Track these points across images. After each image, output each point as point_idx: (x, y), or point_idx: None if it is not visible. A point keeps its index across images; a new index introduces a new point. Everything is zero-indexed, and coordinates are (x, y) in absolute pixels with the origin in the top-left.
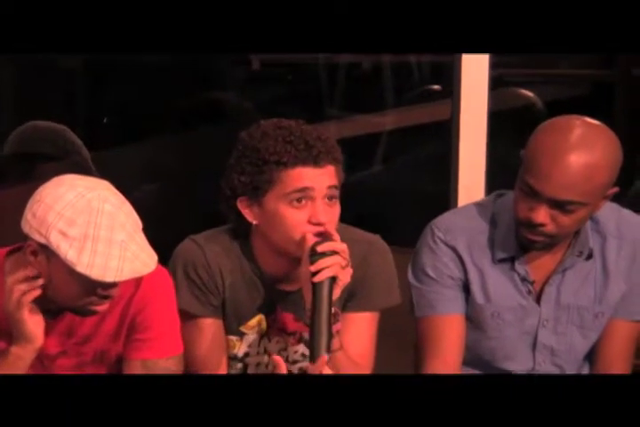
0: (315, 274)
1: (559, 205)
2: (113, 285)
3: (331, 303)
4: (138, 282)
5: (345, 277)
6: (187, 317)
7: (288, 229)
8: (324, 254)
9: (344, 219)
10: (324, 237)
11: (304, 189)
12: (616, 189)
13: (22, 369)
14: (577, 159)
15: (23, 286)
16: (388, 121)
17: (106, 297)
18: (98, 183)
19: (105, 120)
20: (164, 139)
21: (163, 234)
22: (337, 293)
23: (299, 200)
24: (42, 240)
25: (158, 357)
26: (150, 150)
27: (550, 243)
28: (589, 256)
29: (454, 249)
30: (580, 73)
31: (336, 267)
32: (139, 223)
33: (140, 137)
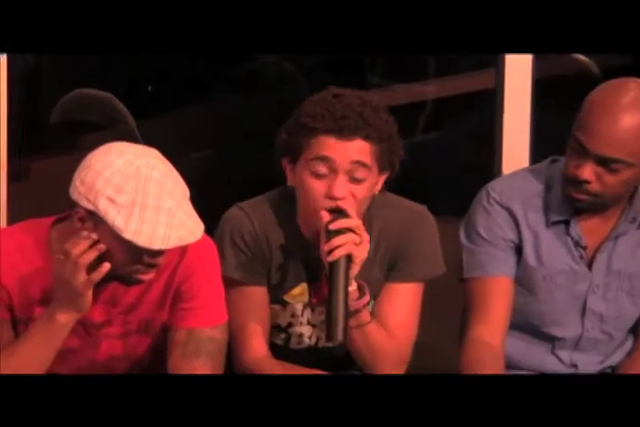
0: (330, 253)
1: (605, 163)
2: (159, 252)
3: (347, 282)
4: (183, 251)
5: (361, 254)
6: (232, 284)
7: (309, 200)
8: (338, 232)
9: (388, 188)
10: (338, 213)
11: (324, 158)
12: None
13: (62, 339)
14: (627, 117)
15: (87, 257)
16: (431, 90)
17: (152, 265)
18: (146, 151)
19: (150, 88)
20: (209, 107)
21: (210, 202)
22: (355, 269)
23: (320, 170)
24: (90, 207)
25: (204, 325)
26: (196, 118)
27: (595, 203)
28: None
29: (509, 210)
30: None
31: (350, 245)
32: (186, 191)
33: (185, 105)
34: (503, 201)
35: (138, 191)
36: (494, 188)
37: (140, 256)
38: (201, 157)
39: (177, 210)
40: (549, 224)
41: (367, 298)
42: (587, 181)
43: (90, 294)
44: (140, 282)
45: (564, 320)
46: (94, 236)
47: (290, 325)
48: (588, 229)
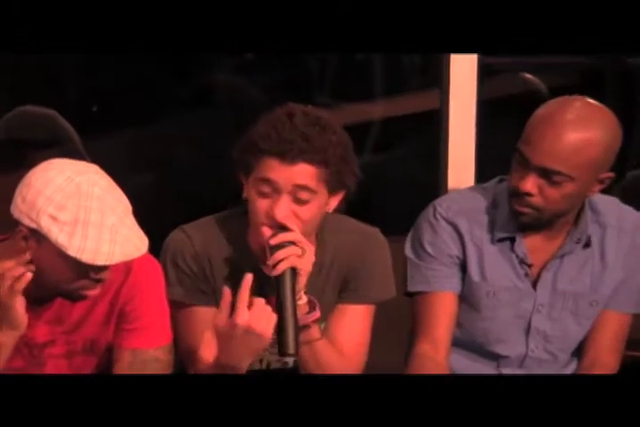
0: (274, 267)
1: (546, 175)
2: (104, 268)
3: (294, 295)
4: (127, 270)
5: (305, 266)
6: (177, 306)
7: (254, 216)
8: (280, 247)
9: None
10: (280, 229)
11: (267, 180)
12: (611, 175)
13: (4, 357)
14: (569, 131)
15: (15, 272)
16: (378, 110)
17: (97, 280)
18: (87, 167)
19: (94, 108)
20: (155, 127)
21: (156, 225)
22: (302, 281)
23: (264, 190)
24: (32, 225)
25: (148, 346)
26: (142, 139)
27: (538, 218)
28: (587, 244)
29: (454, 225)
30: (571, 61)
31: (292, 257)
32: (128, 206)
33: (130, 125)
34: (449, 216)
35: (80, 209)
36: (441, 204)
37: (86, 272)
38: (146, 179)
39: (120, 226)
40: (495, 241)
41: (318, 313)
42: (529, 194)
43: (21, 308)
44: (86, 297)
45: (508, 338)
46: (27, 256)
47: None
48: (533, 247)
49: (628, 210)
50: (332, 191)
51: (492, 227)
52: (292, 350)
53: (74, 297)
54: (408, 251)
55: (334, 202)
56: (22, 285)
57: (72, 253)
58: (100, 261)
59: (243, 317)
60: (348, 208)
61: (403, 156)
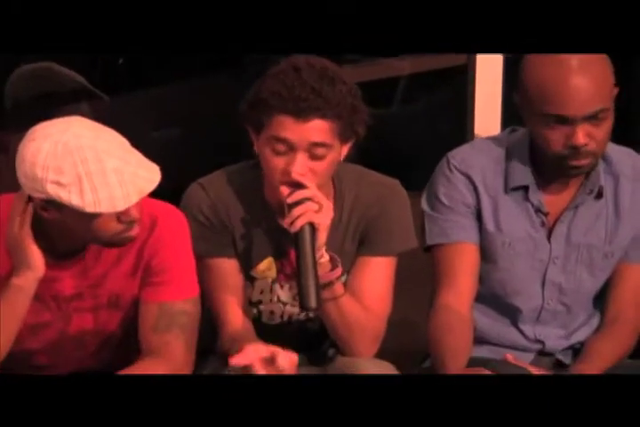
0: (292, 224)
1: (593, 119)
2: (129, 210)
3: (314, 250)
4: (152, 224)
5: (323, 220)
6: (200, 259)
7: (270, 174)
8: (297, 204)
9: (359, 161)
10: (296, 186)
11: (282, 140)
12: (617, 89)
13: (24, 303)
14: (587, 68)
15: (15, 207)
16: (405, 65)
17: (131, 222)
18: (68, 122)
19: (120, 61)
20: (180, 84)
21: (177, 181)
22: (322, 237)
23: (279, 148)
24: (42, 196)
25: (175, 298)
26: (166, 96)
27: (593, 164)
28: (599, 195)
29: (468, 177)
30: None
31: (309, 213)
32: (125, 143)
33: (154, 81)
34: (462, 168)
35: (76, 165)
36: (455, 156)
37: (116, 218)
38: (169, 134)
39: (123, 166)
40: (509, 190)
41: (340, 270)
42: (585, 145)
43: (34, 247)
44: (131, 239)
45: (525, 290)
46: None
47: (260, 302)
48: (548, 197)
49: None
50: (344, 141)
51: (505, 176)
52: (313, 303)
53: (120, 243)
54: (424, 204)
55: (345, 150)
56: (27, 220)
57: (90, 209)
58: (120, 207)
59: None
60: (372, 161)
61: (429, 110)
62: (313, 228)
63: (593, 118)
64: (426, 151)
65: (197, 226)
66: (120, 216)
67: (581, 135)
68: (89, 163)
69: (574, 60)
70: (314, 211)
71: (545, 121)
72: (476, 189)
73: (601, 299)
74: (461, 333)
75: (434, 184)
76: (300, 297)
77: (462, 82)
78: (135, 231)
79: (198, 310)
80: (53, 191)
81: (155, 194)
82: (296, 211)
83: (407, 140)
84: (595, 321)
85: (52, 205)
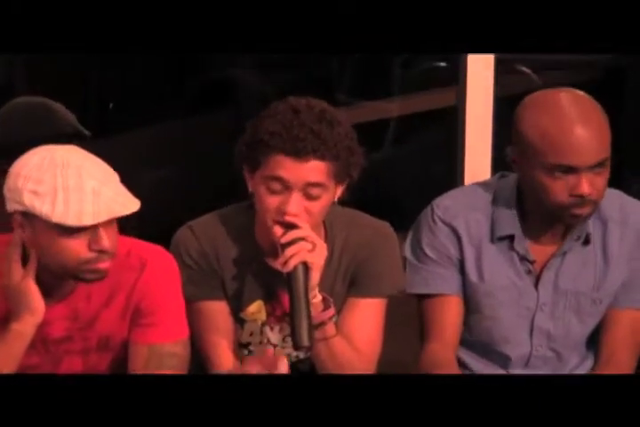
0: (286, 264)
1: (597, 168)
2: (102, 237)
3: (307, 290)
4: (142, 266)
5: (317, 260)
6: (190, 303)
7: (263, 213)
8: (290, 244)
9: (350, 204)
10: (290, 227)
11: (278, 179)
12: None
13: (21, 348)
14: (589, 118)
15: (8, 249)
16: (395, 107)
17: (103, 251)
18: (64, 146)
19: (111, 106)
20: (173, 124)
21: (168, 223)
22: (315, 277)
23: (275, 187)
24: (19, 207)
25: (164, 340)
26: (160, 135)
27: (593, 212)
28: (587, 241)
29: (452, 228)
30: (589, 58)
31: (303, 252)
32: (112, 173)
33: (148, 122)
34: (446, 218)
35: (57, 177)
36: (439, 205)
37: (86, 245)
38: (160, 175)
39: (102, 188)
40: (495, 240)
41: (332, 310)
42: (589, 194)
43: (35, 290)
44: (101, 275)
45: (513, 338)
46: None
47: (249, 343)
48: (535, 245)
49: (633, 203)
50: (339, 182)
51: (491, 226)
52: (306, 342)
53: (88, 277)
54: (407, 252)
55: (339, 192)
56: (34, 265)
57: (56, 219)
58: (86, 221)
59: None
60: (363, 203)
61: (420, 152)
62: (306, 267)
63: (597, 167)
64: (416, 193)
65: (186, 270)
66: (91, 243)
67: (587, 185)
68: (69, 178)
69: (575, 109)
70: (307, 250)
71: (549, 172)
72: (459, 240)
73: (593, 342)
74: (450, 371)
75: (417, 232)
76: (293, 336)
77: (452, 123)
78: (106, 265)
79: (188, 353)
80: (29, 201)
81: (146, 236)
82: (289, 250)
83: (398, 181)
84: (587, 364)
85: (28, 220)
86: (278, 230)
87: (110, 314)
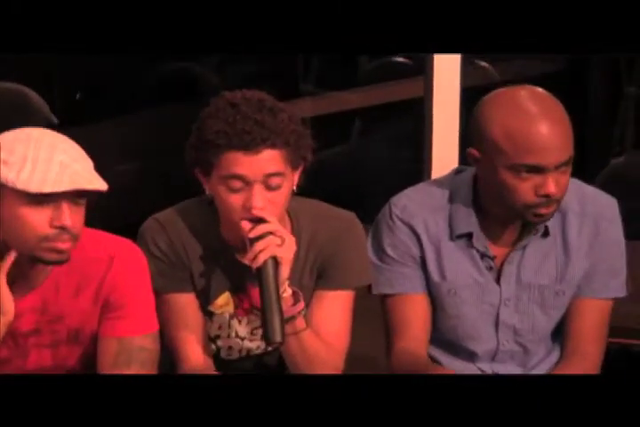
0: (255, 259)
1: (563, 167)
2: (65, 213)
3: (277, 285)
4: (111, 260)
5: (286, 254)
6: (158, 295)
7: (228, 212)
8: (259, 238)
9: (318, 195)
10: (257, 221)
11: (237, 176)
12: None
13: None
14: (554, 117)
15: None
16: (362, 98)
17: (63, 228)
18: (44, 129)
19: (78, 96)
20: (137, 116)
21: (139, 214)
22: (285, 271)
23: (235, 185)
24: None
25: (134, 334)
26: (124, 128)
27: (556, 210)
28: (545, 234)
29: (411, 226)
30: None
31: (272, 247)
32: (87, 157)
33: (112, 114)
34: (404, 217)
35: (29, 148)
36: (396, 204)
37: (47, 220)
38: (127, 168)
39: (71, 162)
40: (454, 238)
41: (302, 304)
42: (554, 193)
43: (6, 292)
44: (61, 258)
45: (478, 334)
46: None
47: (218, 337)
48: (494, 240)
49: (592, 192)
50: (294, 168)
51: (449, 223)
52: (278, 337)
53: (46, 256)
54: (370, 253)
55: (296, 178)
56: (8, 263)
57: (20, 185)
58: (47, 188)
59: None
60: (330, 194)
61: (387, 143)
62: (276, 262)
63: (563, 166)
64: (383, 184)
65: (154, 262)
66: (53, 219)
67: (553, 185)
68: (41, 150)
69: (538, 108)
70: (276, 245)
71: (515, 172)
72: (419, 239)
73: (558, 334)
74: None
75: (377, 233)
76: (265, 331)
77: (420, 114)
78: (66, 246)
79: (157, 346)
80: None
81: (114, 229)
82: (258, 245)
83: (364, 172)
84: (554, 356)
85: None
86: (246, 225)
87: (79, 307)
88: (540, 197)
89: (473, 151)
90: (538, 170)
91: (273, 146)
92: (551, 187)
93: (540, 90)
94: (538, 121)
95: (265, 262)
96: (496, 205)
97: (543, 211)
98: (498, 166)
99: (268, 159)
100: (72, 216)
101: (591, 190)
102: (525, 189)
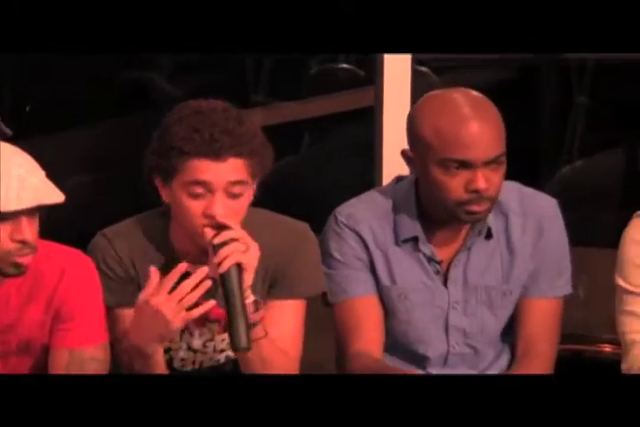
0: (220, 265)
1: (493, 163)
2: (20, 223)
3: (242, 292)
4: (62, 271)
5: (250, 261)
6: (110, 311)
7: (188, 220)
8: (223, 245)
9: (270, 206)
10: (221, 228)
11: (201, 182)
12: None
13: None
14: (484, 114)
15: None
16: (312, 108)
17: (24, 243)
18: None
19: (28, 108)
20: (92, 127)
21: (94, 226)
22: (249, 278)
23: (197, 191)
24: None
25: (84, 345)
26: (79, 139)
27: (489, 209)
28: (489, 235)
29: (357, 232)
30: (507, 57)
31: (237, 253)
32: (39, 168)
33: (66, 125)
34: (350, 224)
35: None
36: (341, 212)
37: (8, 235)
38: (83, 180)
39: (28, 176)
40: (400, 243)
41: (262, 312)
42: (485, 190)
43: None
44: (20, 270)
45: (429, 338)
46: None
47: (169, 349)
48: (439, 243)
49: (531, 193)
50: (255, 177)
51: (394, 229)
52: (245, 344)
53: (7, 271)
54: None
55: (254, 187)
56: None
57: None
58: (8, 206)
59: (158, 298)
60: (282, 204)
61: (338, 152)
62: (240, 268)
63: (493, 163)
64: (335, 193)
65: (103, 278)
66: (13, 233)
67: (482, 180)
68: None
69: (468, 106)
70: (241, 251)
71: (445, 168)
72: (366, 244)
73: (506, 336)
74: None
75: (325, 242)
76: (232, 338)
77: (370, 123)
78: (27, 260)
79: (108, 356)
80: None
81: (66, 241)
82: (223, 251)
83: (316, 182)
84: (503, 359)
85: None
86: (209, 232)
87: (30, 318)
88: (470, 193)
89: (407, 151)
90: (466, 165)
91: (239, 154)
92: (480, 182)
93: (473, 92)
94: (466, 118)
95: (229, 269)
96: (435, 207)
97: (475, 208)
98: (429, 163)
99: (233, 167)
100: (31, 230)
101: (530, 191)
102: (455, 185)
